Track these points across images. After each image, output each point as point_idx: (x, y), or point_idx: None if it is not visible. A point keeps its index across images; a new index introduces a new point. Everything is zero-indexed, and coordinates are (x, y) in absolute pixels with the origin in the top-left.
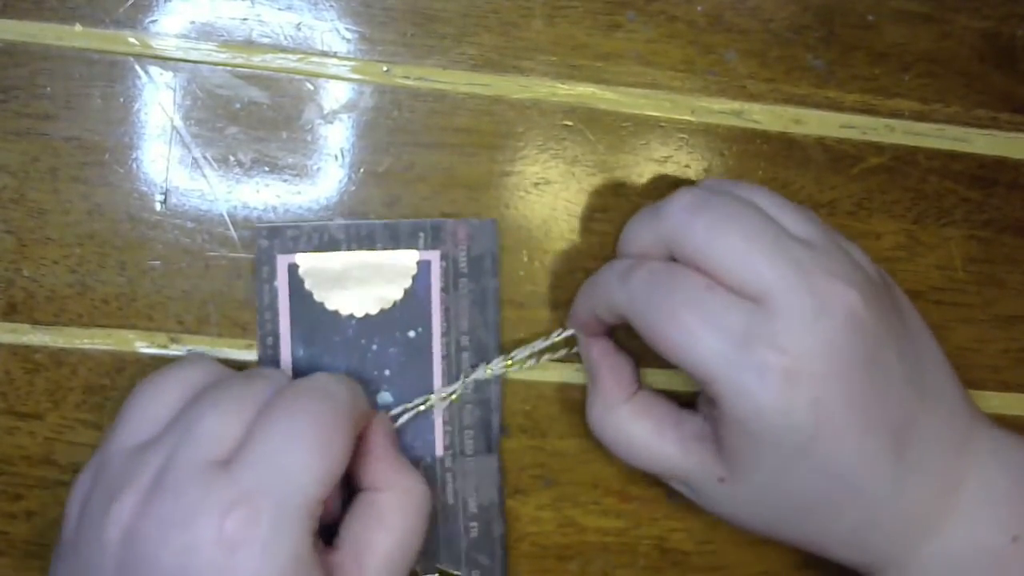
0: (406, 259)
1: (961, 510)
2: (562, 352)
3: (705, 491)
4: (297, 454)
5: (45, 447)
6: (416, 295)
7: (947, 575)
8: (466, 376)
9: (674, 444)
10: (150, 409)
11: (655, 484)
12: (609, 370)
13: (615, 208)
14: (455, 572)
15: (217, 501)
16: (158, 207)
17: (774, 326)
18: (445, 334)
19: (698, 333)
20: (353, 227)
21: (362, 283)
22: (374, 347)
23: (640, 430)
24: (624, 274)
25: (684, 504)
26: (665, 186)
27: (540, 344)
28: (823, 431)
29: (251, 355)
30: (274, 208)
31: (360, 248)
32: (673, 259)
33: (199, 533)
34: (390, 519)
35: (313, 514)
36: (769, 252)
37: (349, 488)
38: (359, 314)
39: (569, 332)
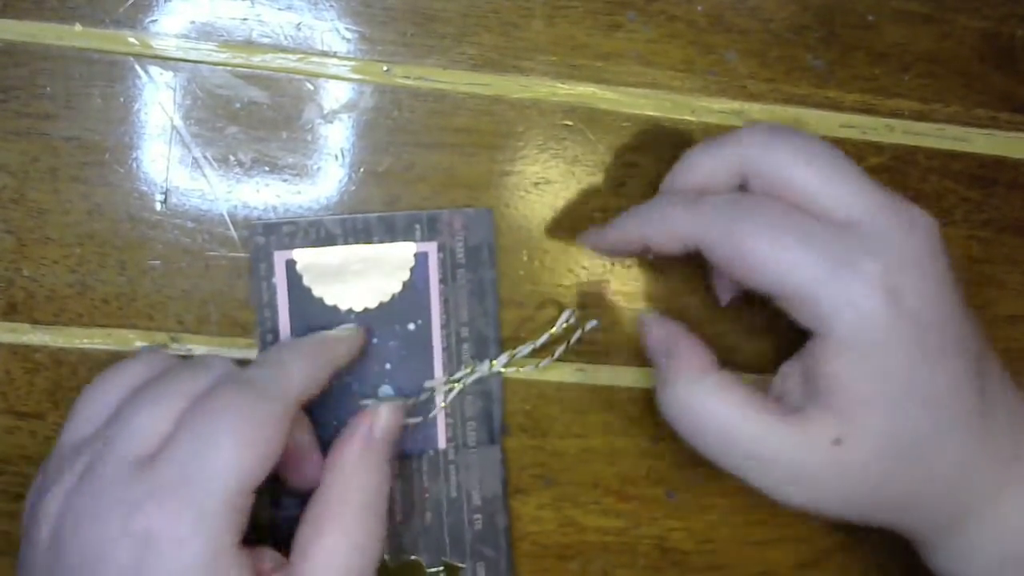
0: (403, 251)
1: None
2: (561, 349)
3: (813, 468)
4: (219, 449)
5: (45, 447)
6: (414, 287)
7: (1013, 539)
8: (470, 370)
9: (775, 416)
10: (91, 407)
11: (655, 483)
12: (688, 345)
13: (615, 208)
14: (460, 564)
15: (133, 496)
16: (158, 207)
17: (872, 244)
18: (445, 326)
19: (796, 252)
20: (349, 221)
21: (360, 277)
22: (374, 341)
23: (730, 407)
24: (693, 202)
25: (684, 503)
26: None
27: (546, 337)
28: (924, 350)
29: (252, 354)
30: (274, 208)
31: (357, 242)
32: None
33: (111, 527)
34: (339, 523)
35: (236, 509)
36: (857, 176)
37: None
38: (358, 308)
39: (567, 314)
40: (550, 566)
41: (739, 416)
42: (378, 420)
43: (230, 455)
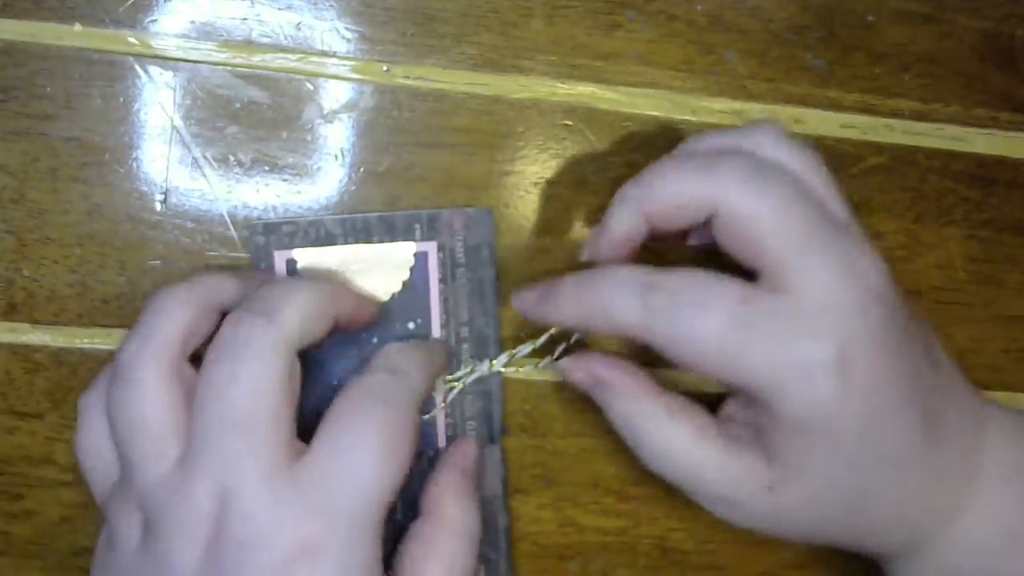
0: (403, 251)
1: (983, 488)
2: (560, 349)
3: (747, 503)
4: (363, 463)
5: (45, 447)
6: (414, 287)
7: (971, 553)
8: (470, 370)
9: (718, 450)
10: (158, 421)
11: (655, 484)
12: (625, 374)
13: None
14: None
15: (289, 519)
16: (158, 207)
17: (823, 320)
18: (444, 325)
19: (747, 348)
20: (349, 221)
21: (360, 276)
22: (374, 340)
23: (677, 435)
24: (640, 291)
25: (685, 503)
26: None
27: (546, 337)
28: (875, 420)
29: None
30: (274, 208)
31: (357, 242)
32: (696, 220)
33: (277, 552)
34: (438, 551)
35: (382, 521)
36: (822, 241)
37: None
38: None
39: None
40: (550, 566)
41: (693, 445)
42: (469, 452)
43: (376, 469)
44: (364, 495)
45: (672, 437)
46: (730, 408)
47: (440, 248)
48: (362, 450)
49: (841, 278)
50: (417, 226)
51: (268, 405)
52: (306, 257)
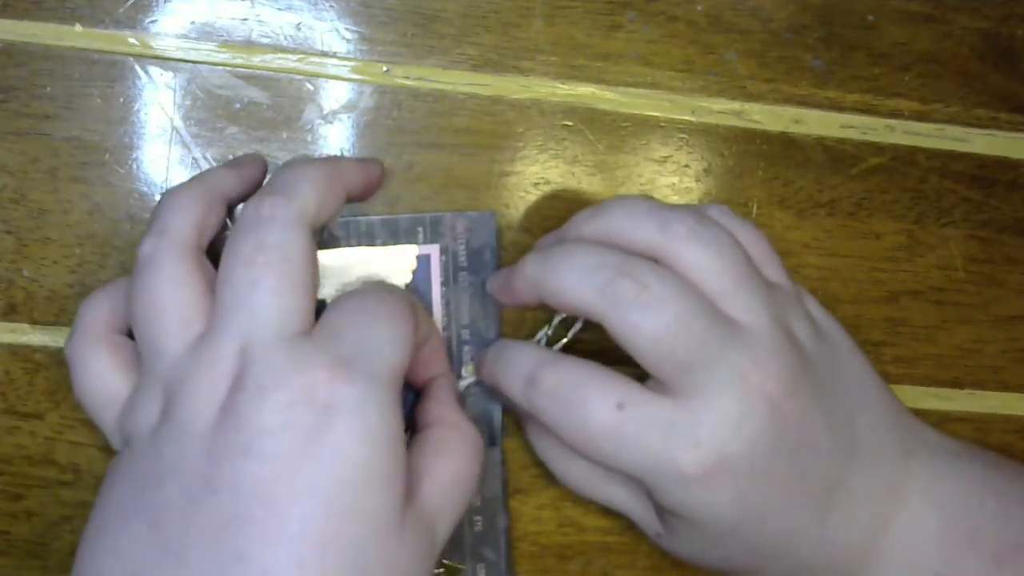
0: (406, 254)
1: (887, 552)
2: (562, 343)
3: (648, 534)
4: (375, 326)
5: (45, 447)
6: (417, 289)
7: None
8: (471, 372)
9: (622, 488)
10: (182, 302)
11: None
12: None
13: None
14: (460, 566)
15: (310, 364)
16: None
17: (698, 428)
18: (446, 328)
19: (622, 446)
20: (353, 223)
21: (363, 279)
22: None
23: (589, 469)
24: (530, 380)
25: None
26: (665, 186)
27: (542, 336)
28: (746, 517)
29: None
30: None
31: (360, 244)
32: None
33: (297, 392)
34: (450, 451)
35: (398, 384)
36: (711, 364)
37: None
38: None
39: (562, 315)
40: (550, 566)
41: (602, 479)
42: (455, 383)
43: (387, 331)
44: (377, 351)
45: (585, 472)
46: None
47: (443, 251)
48: (367, 314)
49: (721, 391)
50: (420, 229)
51: (295, 270)
52: None
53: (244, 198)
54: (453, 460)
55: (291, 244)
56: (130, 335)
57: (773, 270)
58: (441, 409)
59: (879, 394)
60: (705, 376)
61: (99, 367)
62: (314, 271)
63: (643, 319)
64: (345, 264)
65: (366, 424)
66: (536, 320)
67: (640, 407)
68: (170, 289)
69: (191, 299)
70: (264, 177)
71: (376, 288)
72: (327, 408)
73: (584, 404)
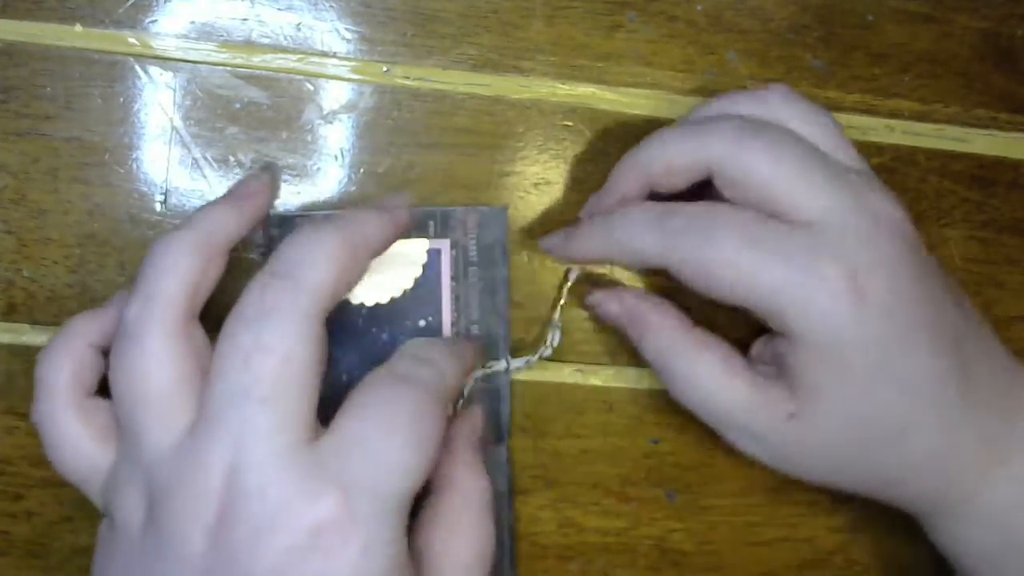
0: (416, 248)
1: (1017, 453)
2: (557, 345)
3: (770, 436)
4: (389, 441)
5: None
6: (426, 284)
7: (1014, 509)
8: (488, 368)
9: (745, 381)
10: (166, 387)
11: (655, 484)
12: (654, 308)
13: None
14: None
15: (309, 497)
16: (158, 207)
17: (835, 246)
18: (455, 323)
19: (762, 268)
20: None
21: (373, 272)
22: (384, 336)
23: (707, 366)
24: (658, 221)
25: (684, 504)
26: None
27: (555, 323)
28: (895, 342)
29: None
30: (274, 208)
31: None
32: (699, 186)
33: (297, 537)
34: (466, 528)
35: (407, 508)
36: (823, 176)
37: None
38: (369, 303)
39: (576, 273)
40: (550, 567)
41: (722, 376)
42: (477, 424)
43: (405, 455)
44: (389, 475)
45: (701, 371)
46: (757, 348)
47: (453, 246)
48: (388, 429)
49: (850, 211)
50: (431, 223)
51: (295, 377)
52: None
53: (254, 227)
54: (470, 539)
55: (294, 343)
56: (99, 391)
57: (844, 154)
58: (456, 469)
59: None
60: (828, 189)
61: (74, 436)
62: (319, 367)
63: (756, 142)
64: None
65: (372, 567)
66: (536, 322)
67: (776, 226)
68: (156, 370)
69: (177, 385)
70: (269, 204)
71: (405, 375)
72: (330, 554)
73: (723, 227)
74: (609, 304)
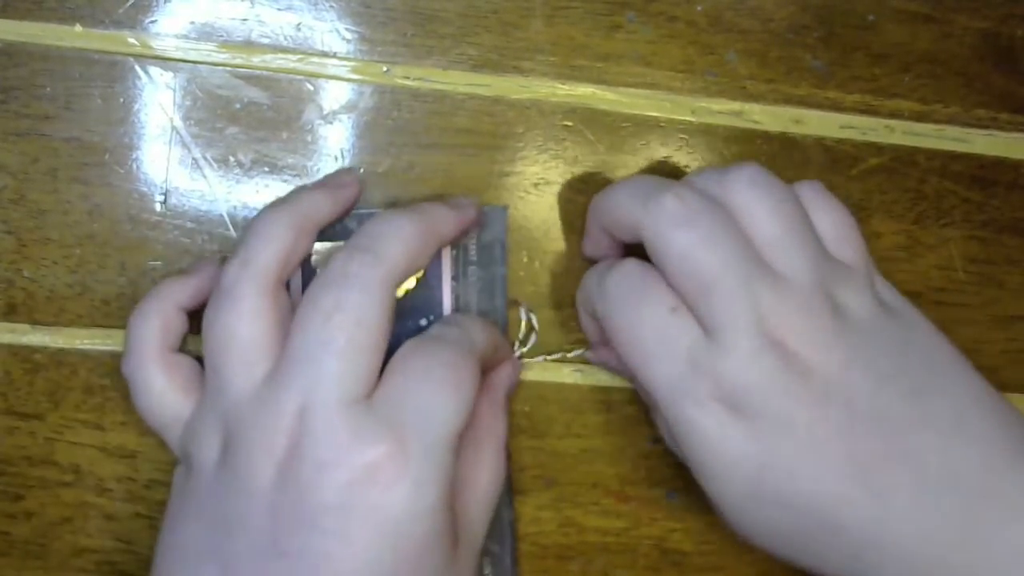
0: None
1: (991, 566)
2: (559, 354)
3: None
4: (434, 394)
5: (45, 447)
6: (427, 284)
7: None
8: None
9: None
10: (252, 338)
11: (655, 484)
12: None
13: None
14: None
15: (369, 439)
16: (158, 207)
17: (721, 361)
18: None
19: (653, 355)
20: (366, 216)
21: None
22: None
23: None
24: (601, 275)
25: (684, 504)
26: None
27: (557, 355)
28: (768, 464)
29: None
30: None
31: None
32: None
33: (357, 472)
34: (487, 461)
35: (453, 451)
36: (731, 291)
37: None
38: None
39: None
40: (550, 567)
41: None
42: (514, 374)
43: (445, 397)
44: (436, 422)
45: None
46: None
47: (454, 245)
48: (428, 379)
49: (736, 322)
50: None
51: (368, 335)
52: (323, 251)
53: (335, 220)
54: (489, 470)
55: (369, 308)
56: (182, 348)
57: (849, 251)
58: (486, 408)
59: (967, 379)
60: (724, 303)
61: (160, 388)
62: (387, 333)
63: (675, 232)
64: None
65: (425, 501)
66: (536, 322)
67: (685, 320)
68: (245, 324)
69: (263, 337)
70: (358, 197)
71: (444, 338)
72: (386, 487)
73: (643, 302)
74: (599, 352)
